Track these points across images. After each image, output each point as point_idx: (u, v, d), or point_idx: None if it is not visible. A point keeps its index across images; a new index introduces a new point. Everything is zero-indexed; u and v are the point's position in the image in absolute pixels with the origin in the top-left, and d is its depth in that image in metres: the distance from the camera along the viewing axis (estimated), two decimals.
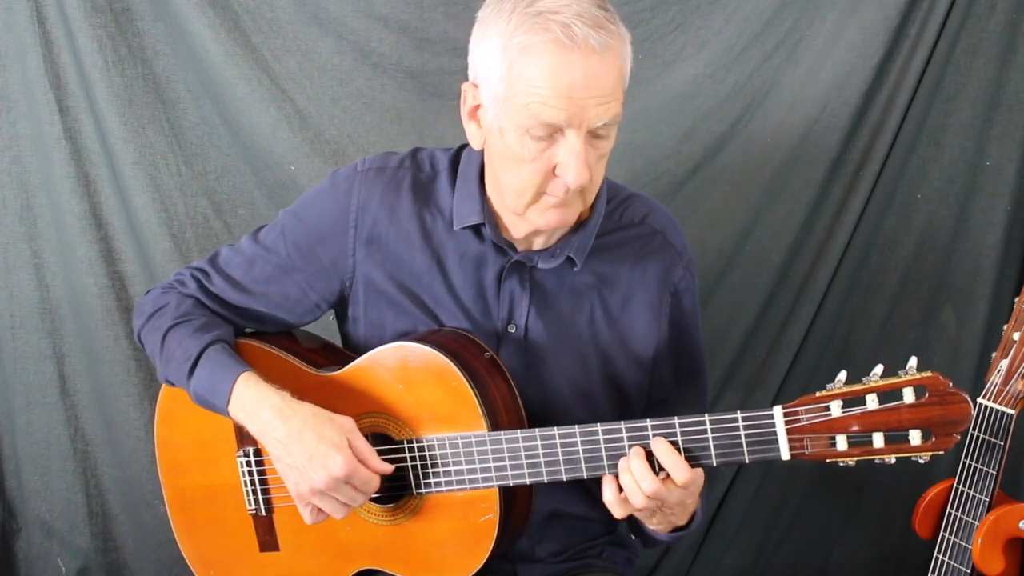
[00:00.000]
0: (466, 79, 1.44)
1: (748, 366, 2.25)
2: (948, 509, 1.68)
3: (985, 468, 1.62)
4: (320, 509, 1.45)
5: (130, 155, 2.16)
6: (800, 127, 2.13)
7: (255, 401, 1.44)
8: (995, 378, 1.63)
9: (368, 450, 1.43)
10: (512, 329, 1.53)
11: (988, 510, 1.62)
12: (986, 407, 1.62)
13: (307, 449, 1.40)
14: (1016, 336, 1.61)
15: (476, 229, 1.51)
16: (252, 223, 2.14)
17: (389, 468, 1.44)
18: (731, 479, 2.29)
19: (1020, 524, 1.61)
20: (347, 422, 1.44)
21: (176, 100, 2.18)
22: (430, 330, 1.53)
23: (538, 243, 1.51)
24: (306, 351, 1.60)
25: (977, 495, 1.63)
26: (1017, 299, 1.65)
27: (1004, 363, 1.62)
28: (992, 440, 1.61)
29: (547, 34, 1.31)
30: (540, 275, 1.52)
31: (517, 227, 1.49)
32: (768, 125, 2.14)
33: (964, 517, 1.65)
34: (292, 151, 2.17)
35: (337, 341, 1.68)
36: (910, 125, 2.11)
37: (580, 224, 1.51)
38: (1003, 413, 1.60)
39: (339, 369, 1.51)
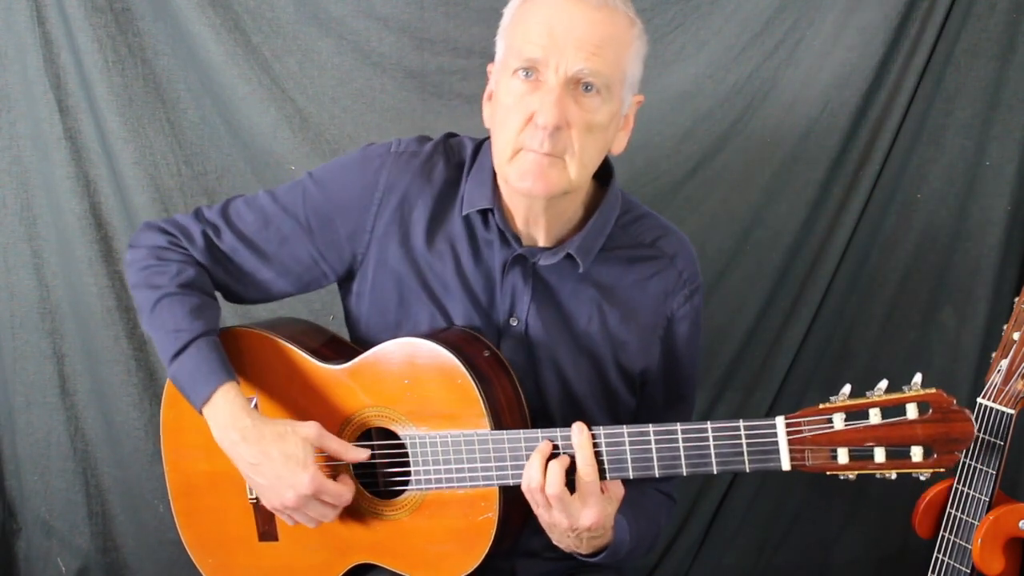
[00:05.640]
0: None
1: (748, 366, 2.24)
2: (948, 509, 1.68)
3: (985, 468, 1.62)
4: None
5: (130, 155, 2.16)
6: (800, 127, 2.12)
7: (229, 418, 1.47)
8: (995, 378, 1.63)
9: (341, 446, 1.47)
10: (514, 322, 1.54)
11: (988, 510, 1.62)
12: (986, 407, 1.62)
13: (274, 469, 1.45)
14: (1016, 336, 1.62)
15: (484, 216, 1.52)
16: None
17: (364, 454, 1.47)
18: (731, 479, 2.29)
19: (1020, 524, 1.61)
20: (311, 431, 1.46)
21: (176, 100, 2.18)
22: (437, 328, 1.54)
23: (541, 239, 1.52)
24: (313, 343, 1.60)
25: (977, 495, 1.63)
26: (1017, 299, 1.65)
27: (1004, 363, 1.62)
28: (992, 440, 1.61)
29: None
30: (542, 272, 1.53)
31: (519, 212, 1.50)
32: (768, 125, 2.14)
33: (964, 517, 1.65)
34: (292, 151, 2.17)
35: (342, 336, 1.69)
36: (910, 125, 2.10)
37: (582, 223, 1.53)
38: (1003, 413, 1.60)
39: (345, 363, 1.52)
